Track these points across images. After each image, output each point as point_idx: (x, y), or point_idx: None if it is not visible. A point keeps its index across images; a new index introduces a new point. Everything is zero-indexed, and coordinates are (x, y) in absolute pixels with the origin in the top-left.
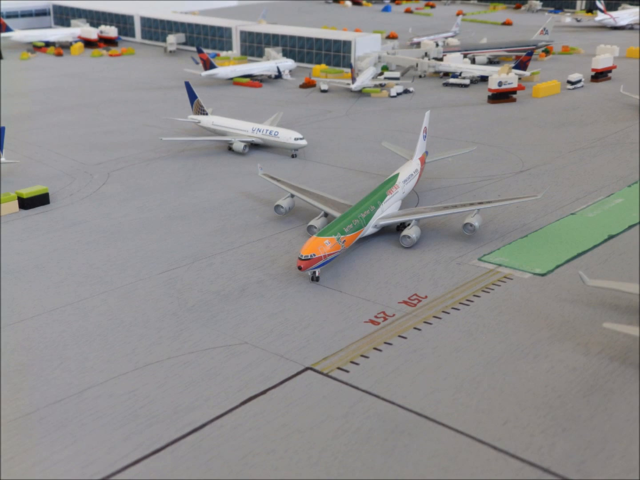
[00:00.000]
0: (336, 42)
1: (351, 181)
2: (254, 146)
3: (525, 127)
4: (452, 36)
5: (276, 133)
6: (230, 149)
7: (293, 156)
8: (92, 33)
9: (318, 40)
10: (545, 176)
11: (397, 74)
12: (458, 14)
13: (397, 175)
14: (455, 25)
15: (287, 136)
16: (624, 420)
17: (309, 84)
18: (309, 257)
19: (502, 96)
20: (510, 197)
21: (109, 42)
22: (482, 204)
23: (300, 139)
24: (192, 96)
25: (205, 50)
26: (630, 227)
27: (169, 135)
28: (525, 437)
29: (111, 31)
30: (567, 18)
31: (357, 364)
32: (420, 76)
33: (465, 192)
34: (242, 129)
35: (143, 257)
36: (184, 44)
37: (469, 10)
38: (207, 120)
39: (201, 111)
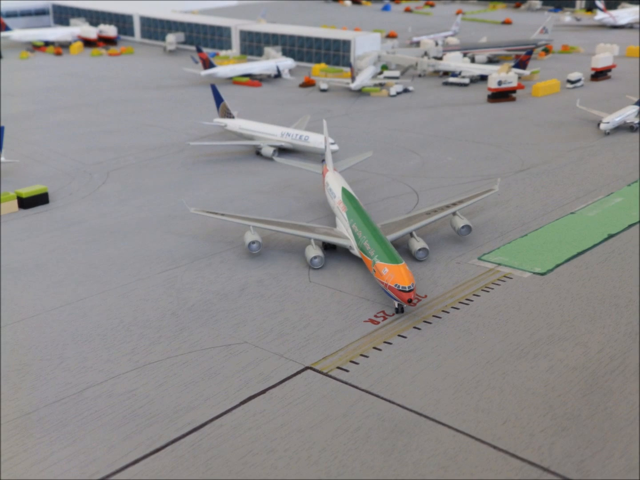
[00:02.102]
0: (336, 41)
1: (350, 181)
2: (282, 151)
3: (525, 126)
4: (451, 35)
5: (306, 138)
6: (258, 153)
7: (323, 161)
8: (91, 32)
9: (317, 39)
10: (545, 175)
11: (396, 73)
12: (458, 13)
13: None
14: (455, 24)
15: (318, 141)
16: (624, 420)
17: (308, 83)
18: (413, 287)
19: (501, 95)
20: (473, 195)
21: (108, 41)
22: (455, 205)
23: (332, 143)
24: (218, 99)
25: (205, 50)
26: (630, 226)
27: (195, 139)
28: (525, 437)
29: (110, 30)
30: (566, 17)
31: (356, 363)
32: (419, 75)
33: (465, 191)
34: (271, 133)
35: (143, 257)
36: (184, 43)
37: (469, 9)
38: (233, 124)
39: (227, 114)
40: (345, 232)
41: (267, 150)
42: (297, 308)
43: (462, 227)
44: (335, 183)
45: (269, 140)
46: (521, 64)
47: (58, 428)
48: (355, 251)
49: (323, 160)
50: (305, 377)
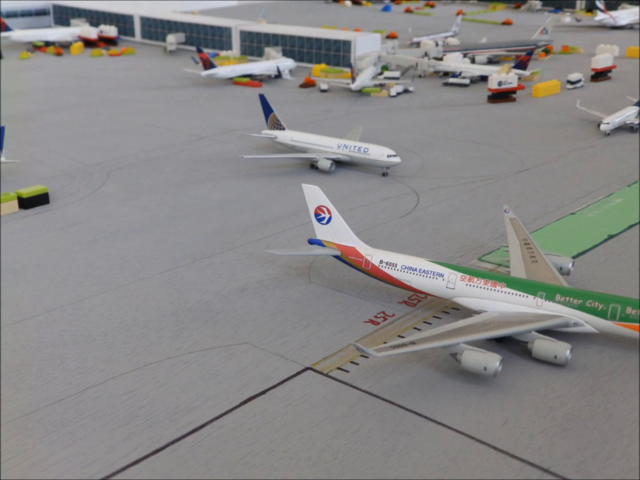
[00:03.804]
0: (336, 41)
1: (348, 181)
2: (339, 164)
3: (525, 127)
4: (451, 36)
5: (366, 150)
6: (312, 166)
7: (384, 175)
8: (92, 33)
9: (318, 39)
10: (545, 176)
11: (396, 74)
12: (458, 14)
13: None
14: (455, 24)
15: (379, 153)
16: (624, 420)
17: (308, 84)
18: None
19: (501, 96)
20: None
21: (108, 41)
22: (527, 245)
23: (394, 155)
24: (267, 110)
25: (205, 50)
26: (630, 227)
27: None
28: (525, 437)
29: (111, 31)
30: (566, 18)
31: (357, 364)
32: (420, 76)
33: (465, 192)
34: (326, 145)
35: (143, 257)
36: (184, 43)
37: (469, 10)
38: (284, 136)
39: (277, 126)
40: (535, 311)
41: (324, 164)
42: (298, 309)
43: (572, 264)
44: (405, 259)
45: (324, 153)
46: (521, 64)
47: (58, 428)
48: (587, 327)
49: (312, 241)
50: (306, 378)
